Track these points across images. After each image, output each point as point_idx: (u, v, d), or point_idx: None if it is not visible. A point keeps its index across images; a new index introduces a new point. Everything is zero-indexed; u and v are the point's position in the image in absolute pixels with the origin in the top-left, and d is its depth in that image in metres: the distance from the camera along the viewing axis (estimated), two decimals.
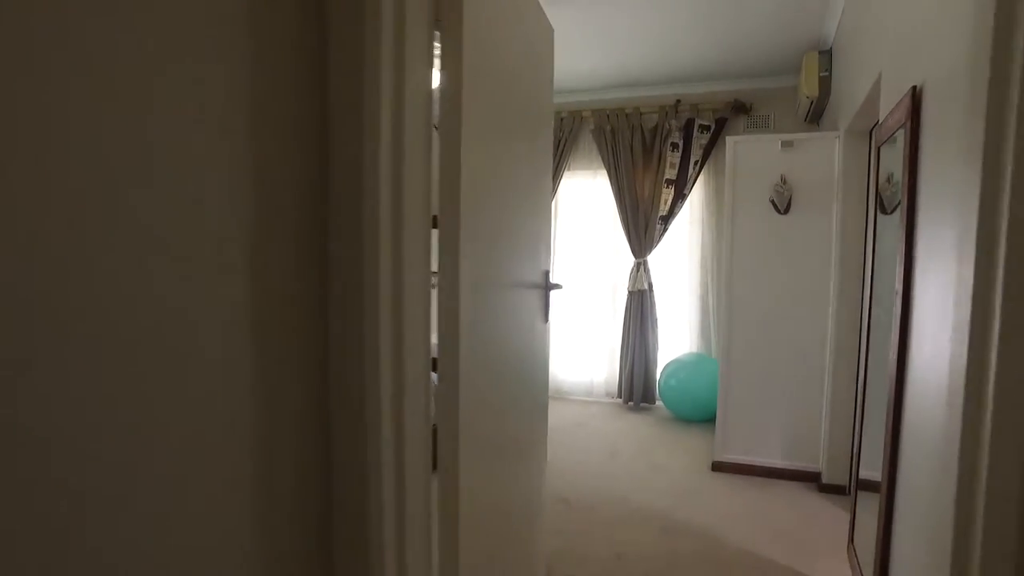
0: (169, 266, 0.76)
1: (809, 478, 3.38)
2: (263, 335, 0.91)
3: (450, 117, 1.23)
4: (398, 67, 1.02)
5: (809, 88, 3.78)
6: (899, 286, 1.69)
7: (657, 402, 4.93)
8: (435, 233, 1.18)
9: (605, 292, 5.22)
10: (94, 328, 0.67)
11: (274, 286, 0.93)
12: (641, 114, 4.86)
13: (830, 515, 2.96)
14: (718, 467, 3.56)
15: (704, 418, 4.46)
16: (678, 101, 4.80)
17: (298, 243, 0.98)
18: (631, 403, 4.97)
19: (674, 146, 4.79)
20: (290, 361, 0.97)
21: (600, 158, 5.05)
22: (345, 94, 1.00)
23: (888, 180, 2.11)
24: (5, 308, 0.58)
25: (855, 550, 2.35)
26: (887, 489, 1.74)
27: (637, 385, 4.92)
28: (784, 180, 3.42)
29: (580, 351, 5.28)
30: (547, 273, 1.88)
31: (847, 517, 2.73)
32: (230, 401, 0.86)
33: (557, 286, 1.92)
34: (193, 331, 0.80)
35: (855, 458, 2.62)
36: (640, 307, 4.92)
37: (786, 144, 3.43)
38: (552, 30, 1.91)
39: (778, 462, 3.46)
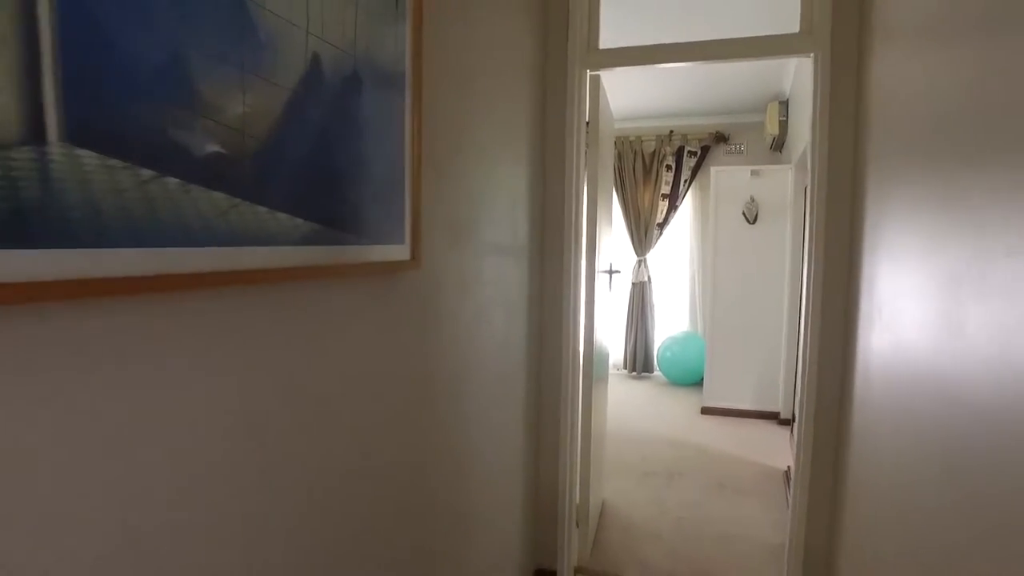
0: (512, 257, 1.94)
1: (771, 416, 4.63)
2: (530, 308, 2.09)
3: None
4: (577, 184, 2.21)
5: (772, 128, 5.03)
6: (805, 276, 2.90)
7: (655, 371, 6.17)
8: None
9: (615, 284, 6.43)
10: (486, 290, 1.85)
11: (532, 271, 2.12)
12: (642, 141, 6.09)
13: (782, 437, 4.22)
14: (705, 411, 4.81)
15: (693, 382, 5.70)
16: (671, 131, 6.02)
17: (532, 246, 2.17)
18: (634, 372, 6.21)
19: (668, 167, 6.02)
20: (530, 325, 2.16)
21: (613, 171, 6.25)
22: (552, 192, 2.19)
23: None
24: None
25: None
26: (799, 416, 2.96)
27: (639, 358, 6.16)
28: (752, 199, 4.66)
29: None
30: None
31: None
32: (521, 346, 2.04)
33: (617, 271, 3.11)
34: (516, 301, 1.97)
35: (795, 398, 3.87)
36: (641, 295, 6.15)
37: (754, 173, 4.67)
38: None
39: (748, 405, 4.71)
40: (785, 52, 2.15)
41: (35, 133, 0.59)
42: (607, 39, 2.34)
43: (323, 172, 1.01)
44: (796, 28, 2.10)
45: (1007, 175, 0.87)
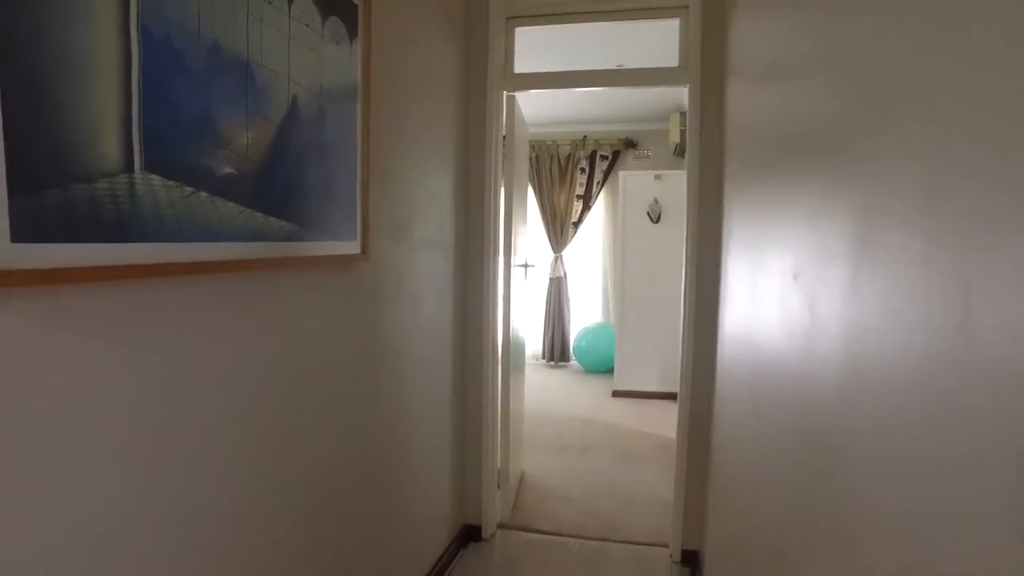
0: (440, 252, 2.27)
1: (674, 396, 5.15)
2: (455, 297, 2.43)
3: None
4: (495, 189, 2.57)
5: (674, 136, 5.57)
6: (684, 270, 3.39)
7: (572, 360, 6.64)
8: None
9: (534, 279, 6.86)
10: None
11: (457, 265, 2.45)
12: (558, 145, 6.53)
13: None
14: (616, 394, 5.30)
15: (606, 368, 6.20)
16: (585, 137, 6.50)
17: (457, 244, 2.51)
18: (553, 362, 6.66)
19: (582, 170, 6.50)
20: (456, 312, 2.50)
21: (527, 177, 6.67)
22: (474, 196, 2.53)
23: None
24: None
25: None
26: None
27: (557, 348, 6.61)
28: (656, 200, 5.18)
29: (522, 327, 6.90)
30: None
31: None
32: (448, 330, 2.38)
33: (531, 266, 3.49)
34: (443, 291, 2.31)
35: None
36: (558, 289, 6.60)
37: (658, 177, 5.20)
38: None
39: (654, 387, 5.23)
40: (667, 83, 2.59)
41: (128, 165, 0.89)
42: (526, 63, 2.71)
43: (300, 185, 1.32)
44: (676, 63, 2.54)
45: (785, 176, 1.29)
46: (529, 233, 6.86)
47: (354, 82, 1.55)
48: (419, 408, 2.21)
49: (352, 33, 1.53)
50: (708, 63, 2.43)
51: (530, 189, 6.69)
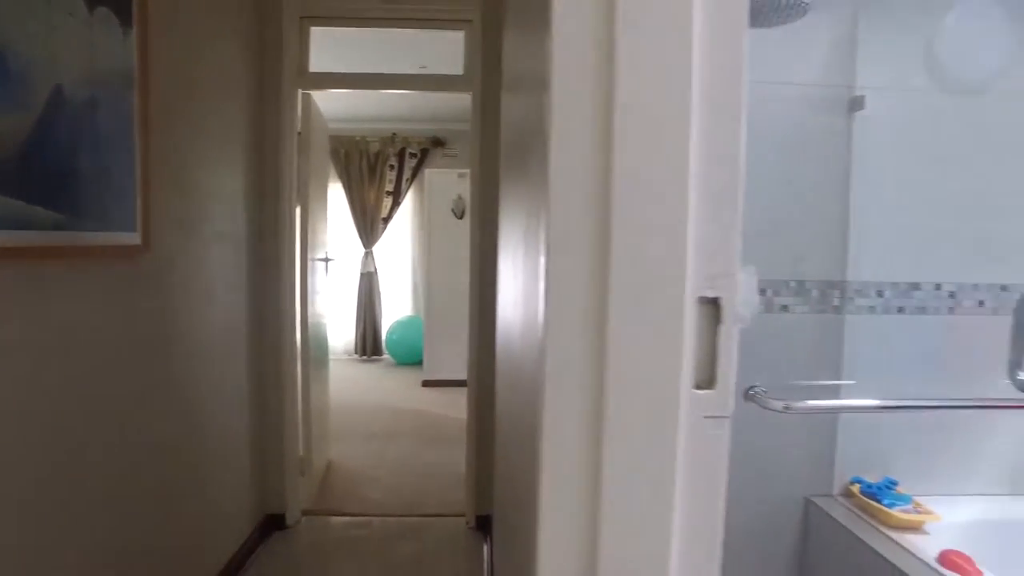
0: (233, 246, 2.30)
1: None
2: (252, 290, 2.46)
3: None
4: (291, 184, 2.63)
5: None
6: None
7: (384, 354, 6.75)
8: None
9: (340, 273, 6.84)
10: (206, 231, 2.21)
11: (252, 259, 2.48)
12: (368, 142, 6.59)
13: None
14: (426, 383, 5.52)
15: (416, 360, 6.39)
16: (394, 134, 6.62)
17: (252, 238, 2.53)
18: (365, 356, 6.71)
19: (391, 167, 6.62)
20: (252, 304, 2.53)
21: (335, 172, 6.64)
22: (270, 191, 2.58)
23: None
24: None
25: None
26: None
27: (368, 342, 6.68)
28: (460, 197, 5.48)
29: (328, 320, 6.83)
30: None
31: None
32: (244, 322, 2.41)
33: (331, 260, 3.56)
34: (239, 283, 2.34)
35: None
36: (369, 284, 6.67)
37: (461, 175, 5.50)
38: None
39: (462, 376, 5.51)
40: (452, 89, 2.84)
41: None
42: (331, 61, 2.80)
43: (70, 174, 1.34)
44: (461, 71, 2.79)
45: (516, 176, 1.56)
46: (332, 228, 6.87)
47: (130, 73, 1.57)
48: (214, 400, 2.23)
49: (126, 23, 1.54)
50: (488, 73, 2.71)
51: (340, 185, 6.67)
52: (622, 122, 0.48)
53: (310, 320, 2.98)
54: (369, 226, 6.63)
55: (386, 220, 6.66)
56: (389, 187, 6.62)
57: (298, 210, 2.80)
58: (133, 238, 1.59)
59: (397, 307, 6.93)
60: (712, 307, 0.50)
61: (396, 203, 6.65)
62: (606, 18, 0.47)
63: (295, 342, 2.83)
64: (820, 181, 1.77)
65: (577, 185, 0.49)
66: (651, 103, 0.47)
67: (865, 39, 1.75)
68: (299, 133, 2.76)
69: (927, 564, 1.46)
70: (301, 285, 2.89)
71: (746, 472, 1.78)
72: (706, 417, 0.50)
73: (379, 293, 6.75)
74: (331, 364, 5.45)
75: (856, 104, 1.75)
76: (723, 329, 0.50)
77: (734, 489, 1.67)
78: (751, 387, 1.23)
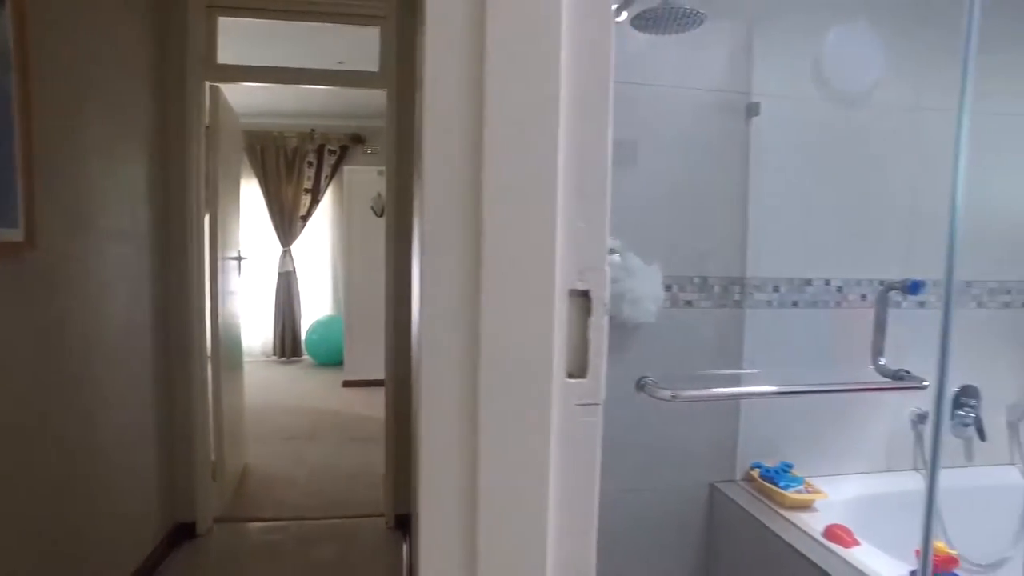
0: (134, 244, 2.18)
1: None
2: (156, 290, 2.34)
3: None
4: (198, 180, 2.52)
5: None
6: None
7: (304, 355, 6.57)
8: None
9: (258, 272, 6.61)
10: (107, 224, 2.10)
11: (155, 257, 2.37)
12: (285, 138, 6.39)
13: None
14: (347, 384, 5.43)
15: (337, 361, 6.26)
16: (313, 130, 6.45)
17: (155, 236, 2.42)
18: (284, 357, 6.51)
19: (310, 163, 6.45)
20: (157, 305, 2.41)
21: (251, 169, 6.41)
22: (176, 187, 2.46)
23: None
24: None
25: None
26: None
27: (288, 343, 6.49)
28: (379, 195, 5.41)
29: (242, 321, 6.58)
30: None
31: None
32: (148, 323, 2.29)
33: (244, 258, 3.44)
34: (141, 283, 2.22)
35: None
36: (287, 284, 6.48)
37: (381, 173, 5.41)
38: None
39: (382, 375, 5.45)
40: (368, 85, 2.81)
41: None
42: (245, 52, 2.70)
43: None
44: (376, 68, 2.76)
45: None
46: (247, 226, 6.62)
47: (6, 53, 1.46)
48: (114, 405, 2.11)
49: None
50: (403, 70, 2.69)
51: (256, 182, 6.45)
52: (492, 121, 0.49)
53: (222, 320, 2.87)
54: (287, 224, 6.44)
55: (305, 218, 6.49)
56: (308, 184, 6.45)
57: (207, 207, 2.69)
58: (15, 234, 1.49)
59: (317, 307, 6.76)
60: (583, 299, 0.52)
61: (315, 201, 6.49)
62: (477, 19, 0.49)
63: (205, 343, 2.72)
64: (721, 183, 1.86)
65: (449, 184, 0.50)
66: (520, 103, 0.49)
67: (760, 49, 1.85)
68: (207, 127, 2.66)
69: (814, 538, 1.56)
70: (211, 284, 2.78)
71: (657, 461, 1.86)
72: (579, 404, 0.53)
73: (298, 293, 6.57)
74: (248, 366, 5.26)
75: (752, 110, 1.85)
76: (593, 320, 0.52)
77: (646, 477, 1.74)
78: (642, 377, 1.29)
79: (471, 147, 0.50)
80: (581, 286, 0.52)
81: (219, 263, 2.81)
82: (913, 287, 1.59)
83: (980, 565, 1.71)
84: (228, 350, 3.07)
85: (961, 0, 1.10)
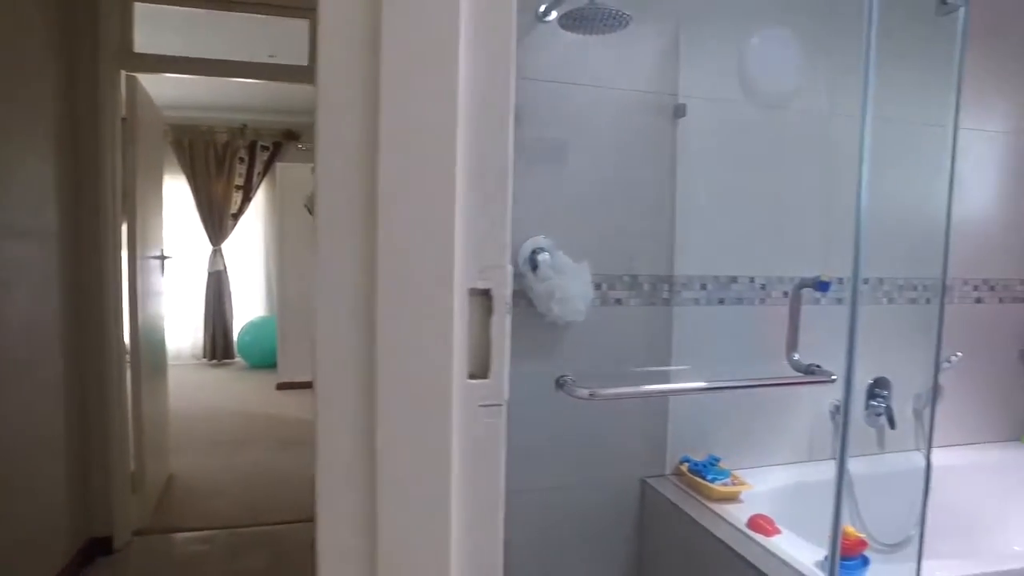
0: (37, 242, 2.05)
1: None
2: (64, 291, 2.21)
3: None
4: (113, 174, 2.39)
5: None
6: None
7: (236, 357, 6.35)
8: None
9: (186, 272, 6.35)
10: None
11: (64, 256, 2.23)
12: (215, 133, 6.15)
13: None
14: (281, 386, 5.28)
15: (270, 363, 6.07)
16: (244, 126, 6.24)
17: (64, 233, 2.27)
18: (215, 360, 6.28)
19: (241, 160, 6.24)
20: (67, 308, 2.27)
21: (178, 165, 6.15)
22: (88, 182, 2.33)
23: None
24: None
25: None
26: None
27: (219, 345, 6.26)
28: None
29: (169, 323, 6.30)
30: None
31: None
32: (55, 327, 2.15)
33: (168, 257, 3.30)
34: (45, 284, 2.08)
35: None
36: (218, 283, 6.25)
37: (313, 170, 5.29)
38: None
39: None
40: (297, 80, 2.73)
41: None
42: (168, 43, 2.57)
43: None
44: (307, 62, 2.69)
45: None
46: (173, 224, 6.31)
47: None
48: (14, 413, 1.98)
49: None
50: None
51: (183, 179, 6.19)
52: (389, 119, 0.48)
53: (143, 322, 2.74)
54: (217, 222, 6.21)
55: (236, 216, 6.27)
56: (239, 181, 6.24)
57: (125, 203, 2.56)
58: None
59: (249, 307, 6.54)
60: (484, 298, 0.51)
61: (247, 198, 6.28)
62: (372, 7, 0.47)
63: (123, 347, 2.58)
64: (650, 182, 1.89)
65: (343, 182, 0.48)
66: (417, 101, 0.48)
67: (686, 52, 1.89)
68: (124, 119, 2.52)
69: (738, 529, 1.61)
70: (130, 285, 2.64)
71: (589, 457, 1.87)
72: (481, 406, 0.52)
73: (229, 293, 6.34)
74: (175, 369, 5.06)
75: (679, 111, 1.88)
76: (495, 320, 0.52)
77: (578, 473, 1.75)
78: (561, 376, 1.29)
79: (366, 144, 0.48)
80: (482, 285, 0.51)
81: (139, 262, 2.68)
82: (822, 285, 1.66)
83: (888, 544, 1.80)
84: (150, 353, 2.93)
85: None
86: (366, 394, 0.50)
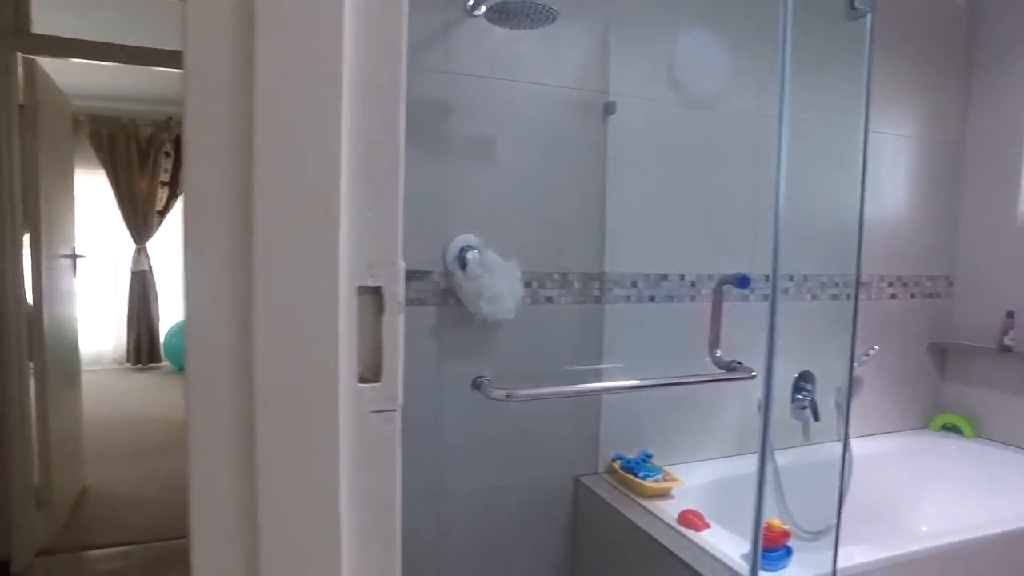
0: None
1: None
2: None
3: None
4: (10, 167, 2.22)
5: None
6: None
7: (163, 361, 6.06)
8: None
9: (108, 272, 6.02)
10: None
11: None
12: (138, 126, 5.84)
13: None
14: None
15: None
16: (170, 118, 5.95)
17: None
18: (139, 364, 5.97)
19: (167, 154, 5.96)
20: None
21: (96, 159, 5.81)
22: None
23: None
24: None
25: None
26: None
27: (144, 349, 5.96)
28: None
29: (87, 325, 5.94)
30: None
31: None
32: None
33: (81, 256, 3.10)
34: None
35: None
36: (143, 284, 5.95)
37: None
38: None
39: None
40: None
41: None
42: (80, 26, 2.40)
43: None
44: None
45: None
46: (89, 221, 5.93)
47: None
48: None
49: None
50: None
51: (103, 174, 5.86)
52: (264, 107, 0.43)
53: (50, 326, 2.56)
54: (141, 220, 5.91)
55: (162, 213, 5.99)
56: (165, 177, 5.96)
57: (27, 198, 2.37)
58: None
59: (177, 308, 6.25)
60: (374, 297, 0.48)
61: (173, 195, 6.00)
62: None
63: (24, 353, 2.40)
64: (580, 179, 1.89)
65: (214, 169, 0.44)
66: (297, 89, 0.44)
67: (616, 49, 1.89)
68: (22, 106, 2.34)
69: (668, 525, 1.62)
70: (35, 285, 2.46)
71: (521, 457, 1.85)
72: (373, 411, 0.48)
73: (155, 294, 6.04)
74: (93, 375, 4.80)
75: (609, 109, 1.89)
76: (387, 319, 0.48)
77: (510, 474, 1.72)
78: (478, 377, 1.27)
79: (241, 130, 0.44)
80: (372, 282, 0.47)
81: (45, 262, 2.50)
82: (742, 281, 1.69)
83: (811, 533, 1.85)
84: (60, 359, 2.74)
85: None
86: (243, 402, 0.45)
